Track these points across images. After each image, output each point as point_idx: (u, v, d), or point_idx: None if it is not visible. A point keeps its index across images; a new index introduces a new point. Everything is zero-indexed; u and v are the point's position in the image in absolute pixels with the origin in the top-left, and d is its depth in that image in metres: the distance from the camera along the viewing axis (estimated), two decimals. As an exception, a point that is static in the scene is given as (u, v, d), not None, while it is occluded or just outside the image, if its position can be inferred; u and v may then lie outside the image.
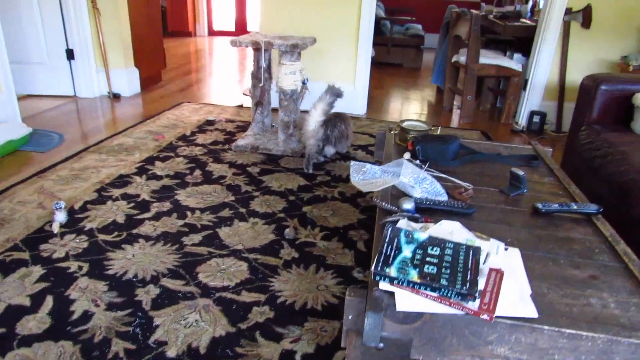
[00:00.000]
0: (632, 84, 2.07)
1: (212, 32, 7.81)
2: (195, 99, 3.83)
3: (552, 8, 3.19)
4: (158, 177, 2.28)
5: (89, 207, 2.00)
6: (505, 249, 1.08)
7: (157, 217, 1.93)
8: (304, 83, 2.64)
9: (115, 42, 3.70)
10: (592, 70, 3.30)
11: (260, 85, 2.65)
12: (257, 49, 2.56)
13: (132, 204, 2.02)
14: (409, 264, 0.91)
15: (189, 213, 1.96)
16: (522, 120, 3.51)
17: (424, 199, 1.33)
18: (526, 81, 3.47)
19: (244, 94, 3.98)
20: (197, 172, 2.36)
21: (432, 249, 0.94)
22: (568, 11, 3.19)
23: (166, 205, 2.02)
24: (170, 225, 1.87)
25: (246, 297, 1.48)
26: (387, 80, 5.00)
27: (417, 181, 1.37)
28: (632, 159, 1.72)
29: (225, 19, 7.78)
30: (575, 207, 1.35)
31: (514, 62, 3.44)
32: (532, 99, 3.43)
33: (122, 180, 2.24)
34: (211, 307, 1.43)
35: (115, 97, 3.78)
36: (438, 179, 1.51)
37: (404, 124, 1.90)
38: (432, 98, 4.37)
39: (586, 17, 3.15)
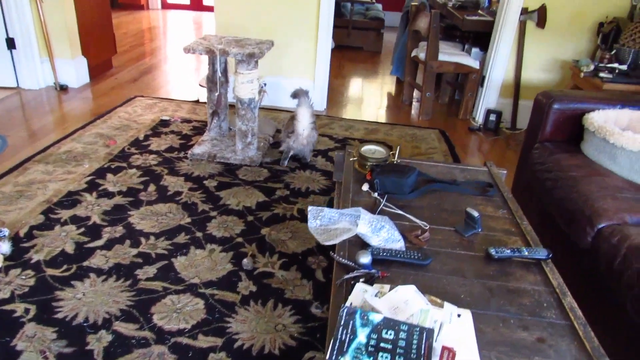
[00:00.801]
0: (584, 103, 2.11)
1: (165, 5, 7.43)
2: (149, 91, 3.67)
3: (509, 7, 3.19)
4: (110, 195, 2.19)
5: (36, 233, 1.90)
6: (459, 315, 1.11)
7: (109, 245, 1.86)
8: (262, 87, 2.57)
9: (60, 30, 3.46)
10: (547, 69, 3.36)
11: (217, 94, 2.55)
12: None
13: (82, 229, 1.94)
14: (364, 352, 0.92)
15: (142, 239, 1.90)
16: (479, 117, 3.56)
17: (381, 250, 1.33)
18: (483, 78, 3.50)
19: (200, 85, 3.84)
20: (152, 188, 2.28)
21: (386, 332, 0.95)
22: (524, 11, 3.21)
23: (119, 230, 1.95)
24: (123, 256, 1.81)
25: (203, 341, 1.46)
26: (347, 67, 4.93)
27: (375, 230, 1.37)
28: (580, 187, 1.77)
29: (179, -8, 7.39)
30: (526, 253, 1.39)
31: (472, 59, 3.46)
32: (489, 96, 3.47)
33: (71, 199, 2.14)
34: (166, 355, 1.41)
35: (63, 88, 3.57)
36: (395, 217, 1.52)
37: (363, 149, 1.88)
38: (392, 89, 4.36)
39: (541, 17, 3.18)
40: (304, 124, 2.55)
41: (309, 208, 1.48)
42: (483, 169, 1.98)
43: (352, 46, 5.73)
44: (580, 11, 3.16)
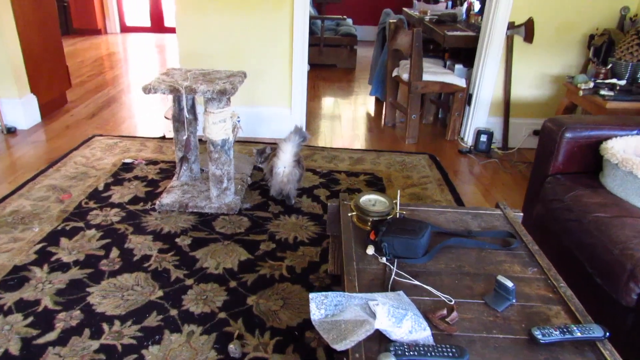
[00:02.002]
0: (598, 130, 1.91)
1: (125, 28, 7.05)
2: (109, 128, 3.32)
3: (495, 22, 3.01)
4: (64, 267, 1.86)
5: (-29, 327, 1.55)
6: None
7: (63, 339, 1.53)
8: (236, 124, 2.28)
9: (4, 68, 3.09)
10: (537, 85, 3.19)
11: (185, 136, 2.25)
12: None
13: (30, 318, 1.60)
14: None
15: (105, 326, 1.58)
16: (468, 137, 3.36)
17: (406, 348, 1.06)
18: (470, 96, 3.30)
19: (165, 117, 3.52)
20: (114, 253, 1.95)
21: None
22: (510, 25, 3.03)
23: (75, 316, 1.62)
24: (82, 353, 1.48)
25: None
26: (322, 87, 4.69)
27: (397, 321, 1.10)
28: (612, 231, 1.55)
29: (139, 13, 7.04)
30: (579, 334, 1.14)
31: (457, 78, 3.26)
32: (478, 115, 3.28)
33: (17, 277, 1.79)
34: None
35: (10, 132, 3.19)
36: (411, 290, 1.25)
37: (362, 201, 1.62)
38: (371, 109, 4.13)
39: (528, 31, 3.00)
40: (284, 161, 2.28)
41: (310, 296, 1.19)
42: (497, 213, 1.74)
43: (325, 64, 5.50)
44: (569, 23, 3.00)
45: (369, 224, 1.57)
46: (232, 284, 1.81)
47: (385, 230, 1.45)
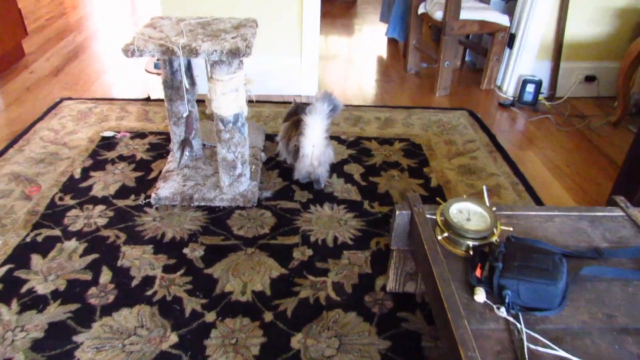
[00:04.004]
0: None
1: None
2: (79, 89, 2.72)
3: (554, -58, 2.42)
4: (40, 302, 1.39)
5: None
6: None
7: None
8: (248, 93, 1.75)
9: None
10: (596, 20, 2.66)
11: (185, 113, 1.71)
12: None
13: (-2, 391, 1.16)
14: None
15: (105, 399, 1.15)
16: (507, 86, 2.86)
17: None
18: (513, 36, 2.77)
19: (147, 70, 2.92)
20: (105, 276, 1.48)
21: None
22: (572, -54, 2.45)
23: (62, 384, 1.18)
24: None
25: None
26: (324, 26, 4.05)
27: None
28: None
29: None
30: None
31: (500, 15, 2.70)
32: (523, 60, 2.76)
33: (-25, 320, 1.33)
34: None
35: (-45, 97, 2.58)
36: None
37: (453, 214, 1.16)
38: (383, 52, 3.56)
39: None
40: (313, 139, 1.79)
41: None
42: (617, 214, 1.31)
43: (323, -4, 4.79)
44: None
45: (467, 249, 1.13)
46: (268, 316, 1.37)
47: (503, 267, 1.01)
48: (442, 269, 1.08)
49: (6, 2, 2.87)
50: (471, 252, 1.11)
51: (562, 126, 2.54)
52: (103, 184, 1.90)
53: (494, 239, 1.13)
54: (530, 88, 2.69)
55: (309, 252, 1.62)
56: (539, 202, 1.92)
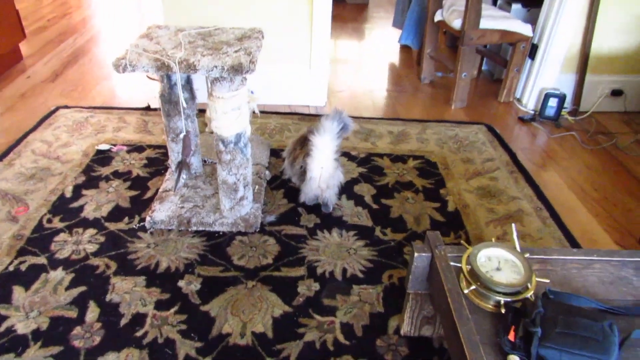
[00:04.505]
0: None
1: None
2: (77, 96, 2.60)
3: (582, -53, 2.26)
4: (19, 344, 1.26)
5: None
6: None
7: None
8: (254, 108, 1.61)
9: None
10: (625, 30, 2.50)
11: (182, 133, 1.57)
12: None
13: None
14: None
15: None
16: (528, 99, 2.70)
17: None
18: (535, 47, 2.61)
19: (148, 77, 2.80)
20: (92, 313, 1.35)
21: None
22: (602, -48, 2.29)
23: None
24: None
25: None
26: (334, 30, 3.91)
27: None
28: None
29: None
30: None
31: (522, 24, 2.54)
32: (546, 72, 2.60)
33: (-55, 364, 1.20)
34: None
35: (-53, 103, 2.46)
36: None
37: (481, 263, 1.02)
38: (395, 59, 3.41)
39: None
40: (320, 161, 1.65)
41: None
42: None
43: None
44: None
45: (496, 302, 0.98)
46: (269, 364, 1.24)
47: (542, 334, 0.86)
48: (468, 328, 0.94)
49: (3, 3, 2.75)
50: (502, 310, 0.97)
51: (587, 144, 2.38)
52: (95, 204, 1.77)
53: (529, 294, 0.98)
54: (552, 102, 2.53)
55: (316, 286, 1.48)
56: (565, 230, 1.77)
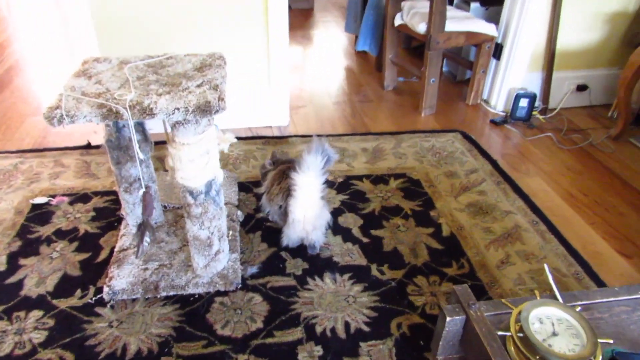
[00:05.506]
0: None
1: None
2: (2, 135, 2.24)
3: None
4: None
5: None
6: None
7: None
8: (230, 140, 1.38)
9: None
10: (588, 27, 2.45)
11: (141, 190, 1.30)
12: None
13: None
14: None
15: None
16: (496, 101, 2.62)
17: None
18: (499, 47, 2.52)
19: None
20: None
21: None
22: (561, -54, 2.22)
23: None
24: None
25: None
26: (284, 38, 3.68)
27: None
28: None
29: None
30: None
31: (486, 25, 2.44)
32: (513, 72, 2.52)
33: None
34: None
35: None
36: None
37: (531, 322, 0.85)
38: (352, 65, 3.25)
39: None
40: (304, 203, 1.44)
41: None
42: None
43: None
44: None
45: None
46: None
47: None
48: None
49: None
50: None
51: (563, 144, 2.31)
52: (37, 276, 1.47)
53: (599, 363, 0.82)
54: (523, 102, 2.45)
55: (318, 350, 1.27)
56: (566, 244, 1.67)
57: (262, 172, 1.65)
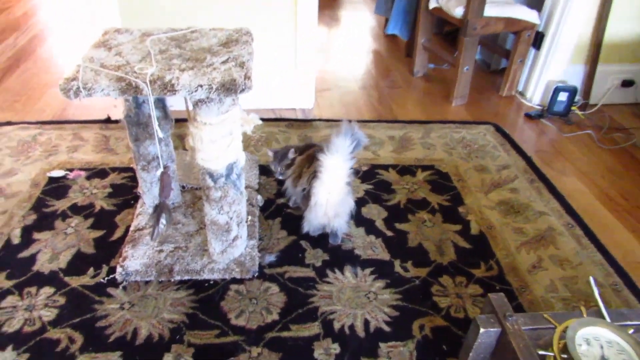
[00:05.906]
0: None
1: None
2: (21, 109, 2.21)
3: None
4: None
5: None
6: None
7: None
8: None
9: None
10: (637, 17, 2.29)
11: (158, 171, 1.24)
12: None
13: None
14: None
15: None
16: (532, 93, 2.48)
17: None
18: (541, 36, 2.38)
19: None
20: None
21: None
22: None
23: None
24: None
25: None
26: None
27: None
28: None
29: None
30: None
31: (528, 11, 2.30)
32: (554, 63, 2.38)
33: None
34: None
35: None
36: None
37: (578, 343, 0.77)
38: (380, 48, 3.13)
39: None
40: (329, 185, 1.36)
41: None
42: None
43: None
44: None
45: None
46: None
47: None
48: None
49: None
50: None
51: (603, 143, 2.18)
52: (51, 251, 1.43)
53: (653, 393, 0.74)
54: (562, 96, 2.32)
55: (335, 348, 1.20)
56: (605, 252, 1.56)
57: (280, 159, 1.57)
